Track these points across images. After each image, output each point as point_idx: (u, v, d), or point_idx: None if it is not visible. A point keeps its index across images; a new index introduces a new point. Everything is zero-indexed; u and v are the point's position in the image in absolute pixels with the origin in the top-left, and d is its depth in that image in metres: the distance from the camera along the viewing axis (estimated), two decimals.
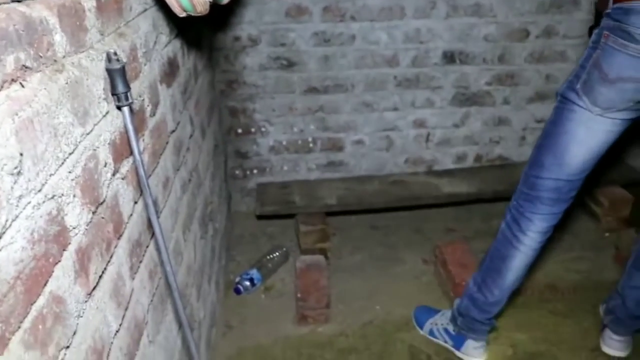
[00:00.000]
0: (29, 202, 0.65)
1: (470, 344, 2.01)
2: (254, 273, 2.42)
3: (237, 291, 2.39)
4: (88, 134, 0.85)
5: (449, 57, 2.82)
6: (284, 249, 2.61)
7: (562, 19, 2.81)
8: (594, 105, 1.54)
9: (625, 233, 2.61)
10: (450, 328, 2.06)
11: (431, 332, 2.12)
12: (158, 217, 1.02)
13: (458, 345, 2.04)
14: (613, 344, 2.03)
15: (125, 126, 0.94)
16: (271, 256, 2.54)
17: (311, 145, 2.92)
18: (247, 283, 2.39)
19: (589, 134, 1.60)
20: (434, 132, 2.98)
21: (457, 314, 2.01)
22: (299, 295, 2.19)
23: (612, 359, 2.03)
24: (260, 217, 2.78)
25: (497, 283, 1.85)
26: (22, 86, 0.65)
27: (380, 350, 2.09)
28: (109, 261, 0.92)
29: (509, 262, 1.80)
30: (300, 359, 2.06)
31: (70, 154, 0.77)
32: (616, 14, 1.46)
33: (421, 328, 2.16)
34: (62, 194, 0.74)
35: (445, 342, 2.07)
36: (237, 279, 2.42)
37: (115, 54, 0.92)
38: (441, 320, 2.11)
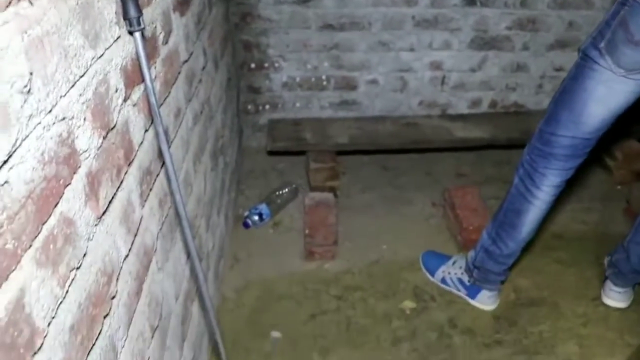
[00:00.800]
0: (39, 123, 0.64)
1: (484, 294, 2.03)
2: (263, 208, 2.44)
3: (246, 225, 2.41)
4: (99, 57, 0.84)
5: None
6: (294, 185, 2.62)
7: None
8: (617, 65, 1.48)
9: (637, 186, 2.59)
10: (465, 279, 2.06)
11: (443, 280, 2.12)
12: (169, 147, 1.02)
13: (472, 294, 2.05)
14: (613, 295, 2.05)
15: (136, 52, 0.93)
16: (280, 192, 2.55)
17: (325, 83, 2.88)
18: (256, 217, 2.41)
19: (609, 94, 1.54)
20: (449, 75, 2.93)
21: (473, 266, 2.01)
22: (307, 231, 2.22)
23: (611, 309, 2.05)
24: (271, 153, 2.78)
25: (512, 236, 1.85)
26: (31, 4, 0.64)
27: (385, 289, 2.13)
28: (119, 187, 0.93)
29: (524, 216, 1.80)
30: (306, 293, 2.10)
31: (80, 76, 0.76)
32: None
33: (432, 275, 2.16)
34: (73, 117, 0.74)
35: (459, 290, 2.09)
36: (246, 213, 2.44)
37: None
38: (454, 270, 2.10)
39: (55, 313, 0.69)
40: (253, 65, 2.81)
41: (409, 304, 2.06)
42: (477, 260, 1.98)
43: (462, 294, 2.08)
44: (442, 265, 2.14)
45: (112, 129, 0.90)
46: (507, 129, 2.81)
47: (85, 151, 0.78)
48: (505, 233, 1.86)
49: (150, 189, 1.14)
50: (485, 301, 2.04)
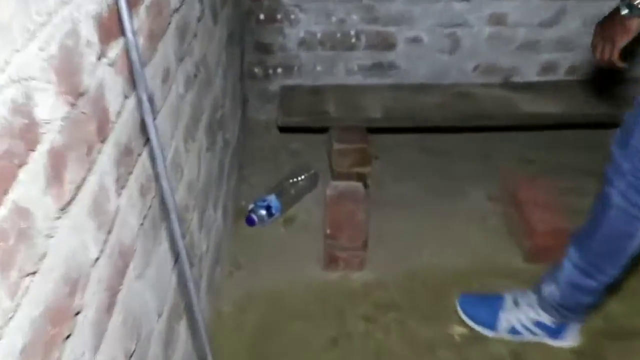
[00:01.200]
0: None
1: (571, 329, 2.01)
2: (272, 200, 2.44)
3: (250, 222, 2.42)
4: (66, 3, 0.83)
5: None
6: (312, 171, 2.62)
7: None
8: None
9: None
10: (545, 319, 2.00)
11: (513, 331, 2.05)
12: (154, 118, 1.01)
13: (556, 335, 2.02)
14: None
15: None
16: (295, 180, 2.55)
17: (353, 40, 2.87)
18: (263, 212, 2.41)
19: None
20: (515, 31, 2.90)
21: (562, 307, 1.95)
22: (328, 231, 2.21)
23: None
24: (283, 129, 2.78)
25: (615, 263, 1.81)
26: None
27: (428, 308, 2.12)
28: (89, 169, 0.92)
29: (633, 239, 1.75)
30: (325, 311, 2.09)
31: (42, 25, 0.75)
32: None
33: (491, 329, 2.07)
34: (31, 78, 0.73)
35: (536, 335, 2.03)
36: (251, 207, 2.45)
37: None
38: (523, 313, 2.03)
39: (3, 332, 0.68)
40: (262, 17, 2.80)
41: (459, 330, 2.05)
42: (568, 300, 1.93)
43: (544, 338, 2.03)
44: (499, 312, 2.06)
45: (83, 94, 0.89)
46: (590, 103, 2.78)
47: (48, 122, 0.77)
48: (604, 262, 1.82)
49: (130, 173, 1.13)
50: (570, 337, 2.02)
